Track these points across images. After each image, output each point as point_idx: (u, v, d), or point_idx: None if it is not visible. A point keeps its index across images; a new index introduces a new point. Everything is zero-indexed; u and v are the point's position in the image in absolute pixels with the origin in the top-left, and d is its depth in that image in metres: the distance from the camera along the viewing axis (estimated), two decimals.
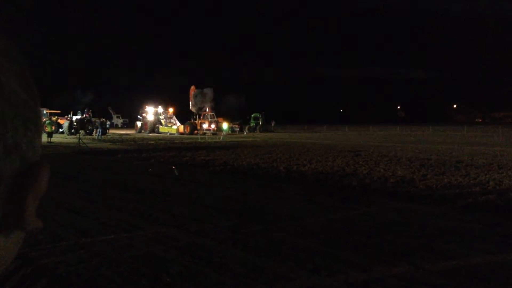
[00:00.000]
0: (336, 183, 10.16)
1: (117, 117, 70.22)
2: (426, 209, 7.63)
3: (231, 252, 5.31)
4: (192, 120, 42.98)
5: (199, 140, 29.19)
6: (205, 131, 40.81)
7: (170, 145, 23.78)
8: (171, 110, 45.39)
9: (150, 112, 44.76)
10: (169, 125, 43.63)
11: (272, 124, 51.14)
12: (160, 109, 45.16)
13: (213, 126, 42.58)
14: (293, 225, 6.61)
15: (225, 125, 40.82)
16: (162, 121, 44.19)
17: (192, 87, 44.63)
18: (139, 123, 45.25)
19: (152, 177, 12.09)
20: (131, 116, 70.02)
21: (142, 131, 43.79)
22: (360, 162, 13.78)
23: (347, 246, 5.50)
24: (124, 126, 65.97)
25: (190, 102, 44.50)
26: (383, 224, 6.67)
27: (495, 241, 5.73)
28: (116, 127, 62.88)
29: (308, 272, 4.60)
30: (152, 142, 27.25)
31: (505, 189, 8.76)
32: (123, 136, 36.15)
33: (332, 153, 17.73)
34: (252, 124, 48.14)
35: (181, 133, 40.63)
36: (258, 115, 48.51)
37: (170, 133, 41.43)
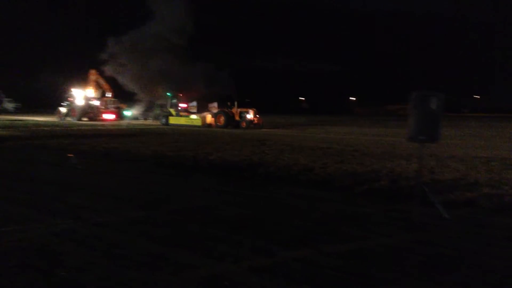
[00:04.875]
0: (243, 171, 10.25)
1: (9, 101, 64.44)
2: (327, 195, 7.99)
3: (133, 243, 5.10)
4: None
5: (99, 127, 27.81)
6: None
7: (68, 132, 22.34)
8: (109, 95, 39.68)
9: (79, 96, 39.27)
10: (183, 114, 35.26)
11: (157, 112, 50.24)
12: (89, 93, 39.71)
13: (112, 116, 38.10)
14: (200, 214, 6.54)
15: (127, 112, 39.14)
16: (172, 110, 35.52)
17: (93, 71, 41.49)
18: (63, 109, 39.23)
19: (47, 166, 11.26)
20: (29, 101, 64.49)
21: (68, 118, 38.22)
22: (266, 151, 14.06)
23: (253, 233, 5.56)
24: (17, 111, 60.73)
25: (91, 89, 41.01)
26: (288, 211, 6.86)
27: (389, 224, 6.15)
28: (7, 112, 57.60)
29: (213, 260, 4.57)
30: (47, 128, 25.40)
31: (396, 176, 9.45)
32: (16, 121, 33.13)
33: (239, 142, 17.87)
34: (157, 111, 46.57)
35: (209, 125, 32.05)
36: (164, 102, 47.27)
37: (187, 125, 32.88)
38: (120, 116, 38.86)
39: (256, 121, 31.07)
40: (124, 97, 43.03)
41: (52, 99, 46.67)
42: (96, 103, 39.79)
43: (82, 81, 40.85)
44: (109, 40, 42.60)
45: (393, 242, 5.34)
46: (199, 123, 32.52)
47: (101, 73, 41.45)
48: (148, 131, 24.66)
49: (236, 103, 32.03)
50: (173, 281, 4.04)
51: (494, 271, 4.44)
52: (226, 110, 32.11)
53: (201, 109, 35.32)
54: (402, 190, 8.08)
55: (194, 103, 36.20)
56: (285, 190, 8.43)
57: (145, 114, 42.53)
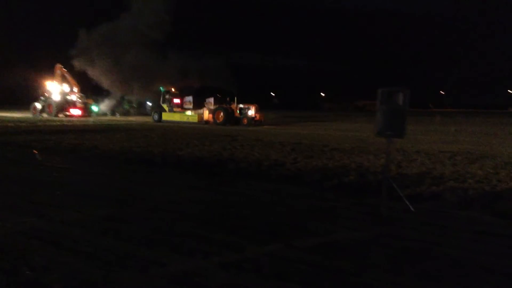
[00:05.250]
0: (213, 167, 10.19)
1: None
2: (297, 190, 8.03)
3: (101, 240, 5.00)
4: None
5: (66, 123, 27.14)
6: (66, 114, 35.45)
7: (33, 128, 21.71)
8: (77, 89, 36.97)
9: (55, 91, 37.18)
10: (176, 109, 33.09)
11: (148, 107, 49.32)
12: (66, 87, 37.59)
13: (78, 111, 35.95)
14: (169, 210, 6.47)
15: (95, 107, 38.21)
16: (165, 106, 33.73)
17: (58, 66, 40.15)
18: (38, 105, 37.00)
19: (10, 162, 10.91)
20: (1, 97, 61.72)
21: (44, 114, 36.26)
22: (237, 147, 14.03)
23: (223, 228, 5.54)
24: None
25: (56, 83, 39.42)
26: (258, 206, 6.86)
27: (357, 218, 6.23)
28: None
29: (182, 256, 4.53)
30: (11, 124, 24.62)
31: (365, 170, 9.60)
32: None
33: (209, 137, 17.78)
34: (126, 106, 45.71)
35: (206, 122, 30.87)
36: (132, 98, 46.41)
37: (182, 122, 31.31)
38: (87, 111, 37.73)
39: (257, 118, 29.52)
40: (93, 92, 41.81)
41: (26, 94, 44.58)
42: (73, 98, 38.11)
43: (51, 75, 39.37)
44: (81, 32, 41.02)
45: (361, 236, 5.42)
46: (195, 119, 30.95)
47: (70, 67, 39.99)
48: (116, 127, 24.22)
49: (235, 98, 30.44)
50: (141, 279, 3.98)
51: (458, 262, 4.56)
52: (225, 106, 30.29)
53: (197, 105, 33.32)
54: (371, 184, 8.21)
55: (190, 99, 33.67)
56: (255, 185, 8.43)
57: (113, 110, 41.58)
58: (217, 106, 30.60)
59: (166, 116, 32.74)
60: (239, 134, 20.24)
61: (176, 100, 34.06)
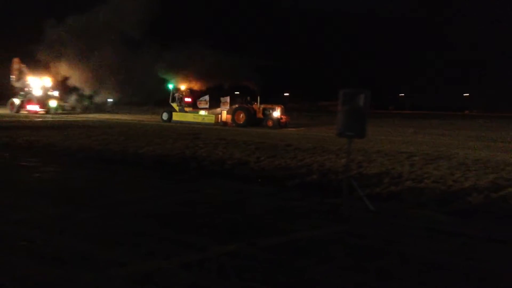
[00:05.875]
0: (176, 165, 10.08)
1: None
2: (260, 189, 8.05)
3: (57, 240, 4.84)
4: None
5: (22, 119, 26.17)
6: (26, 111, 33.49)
7: None
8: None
9: (36, 85, 35.28)
10: (188, 109, 29.95)
11: (109, 104, 48.20)
12: (47, 81, 35.67)
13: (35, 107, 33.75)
14: (129, 209, 6.34)
15: (53, 103, 36.93)
16: (175, 105, 30.41)
17: (16, 60, 38.54)
18: (17, 100, 34.90)
19: None
20: None
21: (23, 109, 34.10)
22: (200, 145, 13.93)
23: (185, 228, 5.48)
24: None
25: (12, 77, 37.76)
26: (221, 205, 6.83)
27: (319, 217, 6.30)
28: None
29: (142, 256, 4.45)
30: None
31: (326, 170, 9.73)
32: None
33: (172, 135, 17.57)
34: (86, 103, 44.37)
35: (225, 123, 27.87)
36: (92, 93, 45.10)
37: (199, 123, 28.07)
38: (46, 107, 36.28)
39: (284, 120, 26.96)
40: (56, 88, 40.06)
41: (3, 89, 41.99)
42: (55, 93, 36.42)
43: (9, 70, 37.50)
44: (48, 24, 38.96)
45: (322, 234, 5.49)
46: (211, 120, 28.05)
47: (34, 61, 37.97)
48: (76, 124, 23.55)
49: (258, 98, 27.83)
50: (98, 279, 3.88)
51: (414, 260, 4.69)
52: (247, 106, 27.54)
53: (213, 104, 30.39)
54: (332, 183, 8.34)
55: (206, 98, 30.24)
56: (218, 184, 8.39)
57: (74, 106, 40.17)
58: (236, 106, 27.94)
59: (177, 117, 29.56)
60: (201, 132, 20.07)
61: (187, 99, 31.05)
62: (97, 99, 43.07)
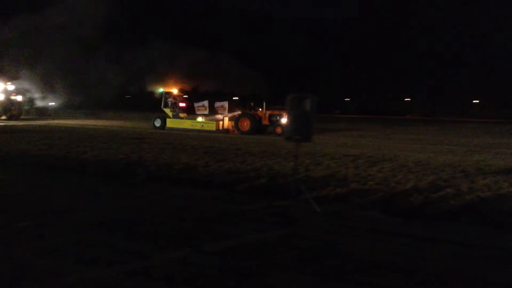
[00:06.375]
0: (121, 171, 9.80)
1: None
2: (208, 194, 7.98)
3: None
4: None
5: None
6: None
7: None
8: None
9: None
10: (183, 115, 27.57)
11: (50, 108, 46.08)
12: (10, 86, 32.57)
13: None
14: (72, 217, 6.09)
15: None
16: (168, 110, 27.91)
17: None
18: None
19: None
20: None
21: None
22: (146, 150, 13.64)
23: (130, 235, 5.33)
24: None
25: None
26: (167, 210, 6.71)
27: (266, 220, 6.33)
28: None
29: (84, 265, 4.27)
30: None
31: (275, 173, 9.81)
32: None
33: (116, 140, 17.09)
34: (26, 106, 42.11)
35: (227, 130, 26.12)
36: (33, 97, 42.92)
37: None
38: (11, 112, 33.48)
39: None
40: None
41: None
42: (19, 98, 33.51)
43: None
44: None
45: (269, 237, 5.51)
46: (212, 127, 25.92)
47: None
48: (14, 128, 22.41)
49: (264, 103, 25.75)
50: None
51: (358, 260, 4.80)
52: (252, 113, 25.69)
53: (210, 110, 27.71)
54: (280, 187, 8.39)
55: (205, 103, 27.71)
56: (165, 189, 8.25)
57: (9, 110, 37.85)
58: (239, 112, 26.00)
59: (172, 123, 27.21)
60: (148, 136, 19.67)
61: (182, 104, 28.69)
62: (40, 103, 40.83)
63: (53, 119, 36.81)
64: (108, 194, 7.77)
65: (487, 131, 33.95)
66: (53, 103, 43.89)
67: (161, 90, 29.16)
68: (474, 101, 78.53)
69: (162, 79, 29.44)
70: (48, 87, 36.09)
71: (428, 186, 8.78)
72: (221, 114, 26.70)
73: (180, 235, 5.44)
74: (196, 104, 27.94)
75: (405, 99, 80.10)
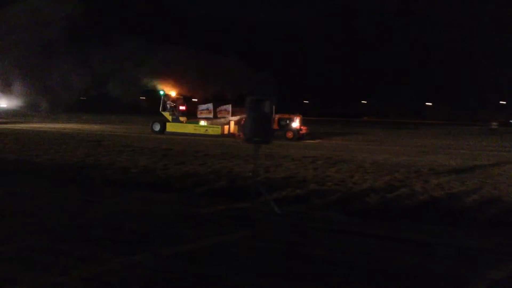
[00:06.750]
0: (76, 174, 9.51)
1: None
2: (167, 197, 7.87)
3: None
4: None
5: None
6: None
7: None
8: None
9: None
10: (183, 118, 26.15)
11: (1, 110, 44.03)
12: None
13: None
14: (23, 222, 5.84)
15: None
16: (167, 114, 26.48)
17: None
18: None
19: None
20: None
21: None
22: (102, 153, 13.32)
23: (86, 241, 5.17)
24: None
25: None
26: (125, 214, 6.56)
27: (226, 223, 6.30)
28: None
29: (37, 272, 4.11)
30: None
31: (234, 176, 9.79)
32: None
33: (72, 142, 16.60)
34: None
35: (232, 135, 24.93)
36: None
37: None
38: None
39: (304, 131, 24.56)
40: None
41: None
42: None
43: None
44: None
45: (229, 240, 5.49)
46: (217, 132, 24.76)
47: None
48: None
49: (274, 107, 24.38)
50: None
51: (316, 260, 4.85)
52: None
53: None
54: (240, 189, 8.39)
55: (209, 106, 26.36)
56: (122, 193, 8.06)
57: None
58: (245, 115, 24.52)
59: (172, 127, 25.82)
60: (104, 139, 19.18)
61: (182, 107, 27.42)
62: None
63: (6, 122, 35.32)
64: (61, 198, 7.51)
65: (439, 132, 35.28)
66: (4, 105, 42.03)
67: (161, 92, 27.65)
68: (427, 104, 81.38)
69: (160, 81, 27.93)
70: (3, 88, 34.40)
71: (384, 186, 9.02)
72: (224, 118, 25.79)
73: (137, 239, 5.33)
74: (200, 107, 26.86)
75: (362, 101, 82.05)
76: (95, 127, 29.83)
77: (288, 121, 24.45)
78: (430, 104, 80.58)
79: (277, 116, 24.42)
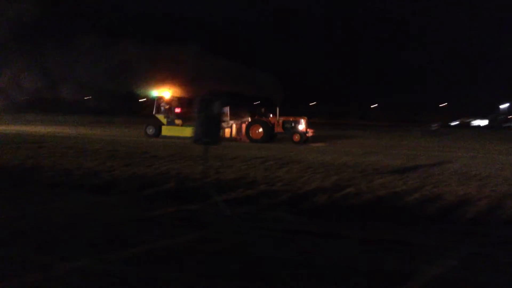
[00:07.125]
0: (16, 178, 9.05)
1: None
2: (113, 200, 7.65)
3: None
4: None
5: None
6: None
7: None
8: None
9: None
10: (178, 121, 24.49)
11: None
12: None
13: None
14: None
15: None
16: (161, 116, 24.94)
17: None
18: None
19: None
20: None
21: None
22: (44, 155, 12.76)
23: (25, 246, 4.92)
24: None
25: None
26: (67, 219, 6.31)
27: (175, 225, 6.20)
28: None
29: None
30: None
31: (184, 177, 9.67)
32: None
33: (10, 144, 15.77)
34: None
35: (235, 138, 23.43)
36: None
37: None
38: None
39: (310, 134, 23.40)
40: None
41: None
42: None
43: None
44: None
45: (178, 242, 5.40)
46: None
47: None
48: None
49: (278, 109, 23.97)
50: None
51: (264, 260, 4.86)
52: (265, 119, 23.67)
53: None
54: (189, 190, 8.28)
55: None
56: (65, 196, 7.76)
57: None
58: (247, 118, 23.90)
59: (168, 131, 24.18)
60: (46, 140, 18.37)
61: (177, 110, 25.88)
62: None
63: None
64: (1, 202, 7.11)
65: (384, 133, 36.56)
66: None
67: (153, 94, 26.26)
68: (372, 106, 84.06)
69: (151, 82, 26.29)
70: None
71: (332, 186, 9.21)
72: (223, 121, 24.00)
73: (81, 243, 5.13)
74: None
75: (310, 103, 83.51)
76: (36, 128, 28.50)
77: (293, 124, 23.78)
78: (376, 105, 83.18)
79: (281, 119, 23.95)
